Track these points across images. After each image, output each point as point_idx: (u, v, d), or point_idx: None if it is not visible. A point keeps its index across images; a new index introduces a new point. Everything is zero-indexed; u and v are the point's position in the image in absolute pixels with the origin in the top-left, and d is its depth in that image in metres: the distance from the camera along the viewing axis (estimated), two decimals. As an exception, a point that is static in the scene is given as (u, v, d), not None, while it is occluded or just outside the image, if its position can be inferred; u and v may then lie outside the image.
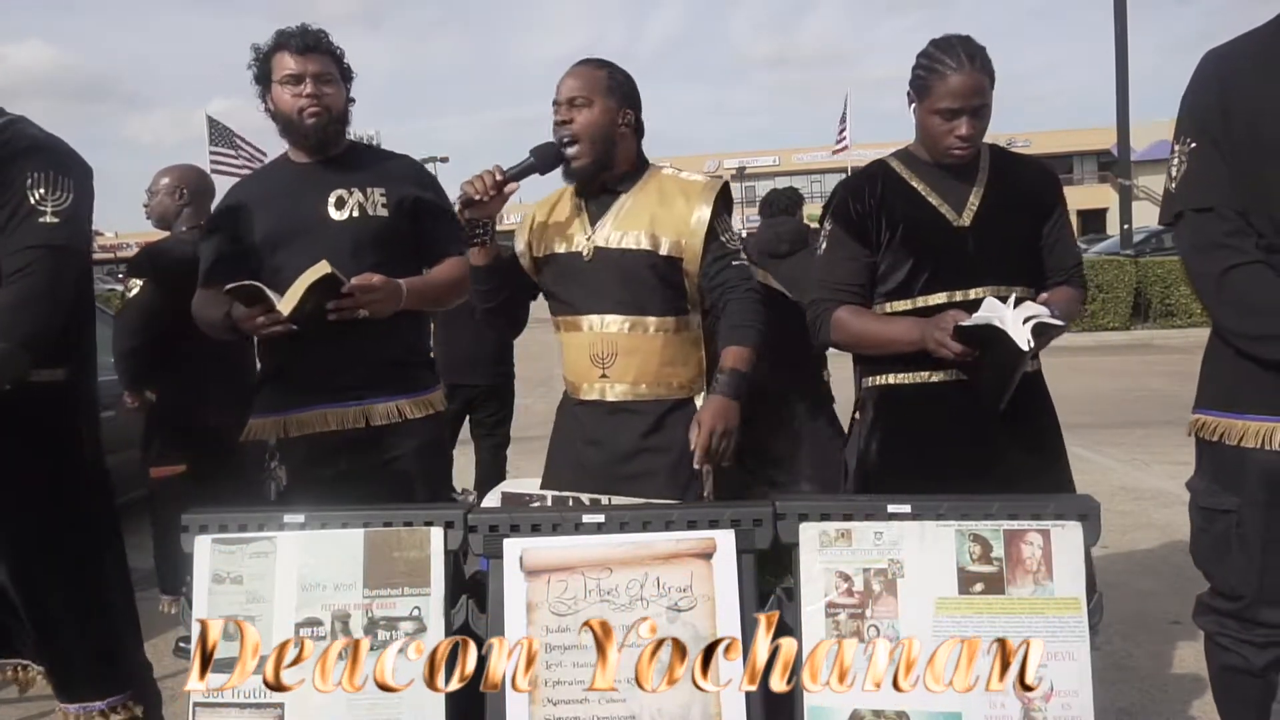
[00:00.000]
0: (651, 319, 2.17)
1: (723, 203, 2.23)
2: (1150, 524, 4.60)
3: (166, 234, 3.68)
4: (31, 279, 1.90)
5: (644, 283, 2.17)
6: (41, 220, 1.92)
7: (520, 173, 2.14)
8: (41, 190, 1.93)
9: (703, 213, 2.17)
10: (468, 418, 4.67)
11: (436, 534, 1.78)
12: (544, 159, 2.16)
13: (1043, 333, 1.90)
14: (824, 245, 2.27)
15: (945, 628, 1.68)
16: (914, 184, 2.20)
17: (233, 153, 13.83)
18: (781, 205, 5.13)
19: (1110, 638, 3.20)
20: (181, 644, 3.43)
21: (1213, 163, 1.77)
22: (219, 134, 13.81)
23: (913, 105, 2.16)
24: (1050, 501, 1.74)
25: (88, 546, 2.11)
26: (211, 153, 13.59)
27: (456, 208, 2.09)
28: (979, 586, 1.69)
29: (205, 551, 1.80)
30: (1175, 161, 1.85)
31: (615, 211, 2.20)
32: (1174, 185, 1.85)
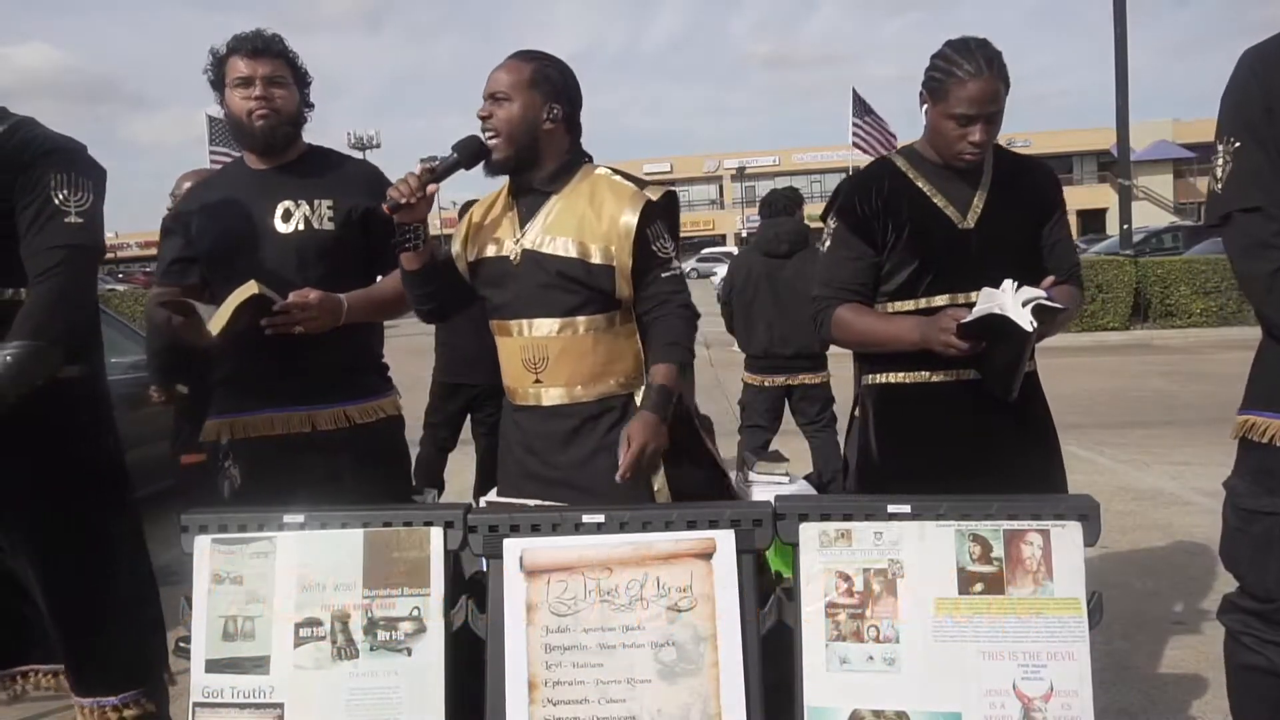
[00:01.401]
0: (581, 319, 2.10)
1: (658, 209, 2.13)
2: (1150, 524, 4.59)
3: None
4: (60, 278, 1.97)
5: (572, 289, 2.09)
6: (67, 220, 1.99)
7: (444, 170, 2.09)
8: (65, 191, 1.99)
9: (630, 219, 2.08)
10: (468, 417, 4.68)
11: (436, 534, 1.78)
12: (466, 154, 2.10)
13: (1043, 316, 1.89)
14: (828, 243, 2.27)
15: (945, 628, 1.68)
16: (919, 184, 2.19)
17: (236, 151, 13.79)
18: (781, 205, 5.13)
19: (1110, 638, 3.20)
20: (181, 644, 3.43)
21: (1258, 162, 1.74)
22: (220, 133, 13.77)
23: (924, 106, 2.15)
24: (1050, 502, 1.74)
25: (111, 541, 2.14)
26: (212, 152, 13.55)
27: (384, 208, 2.02)
28: (979, 586, 1.69)
29: (205, 551, 1.81)
30: (1220, 162, 1.81)
31: (544, 214, 2.13)
32: (1220, 186, 1.81)
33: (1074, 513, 1.71)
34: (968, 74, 2.04)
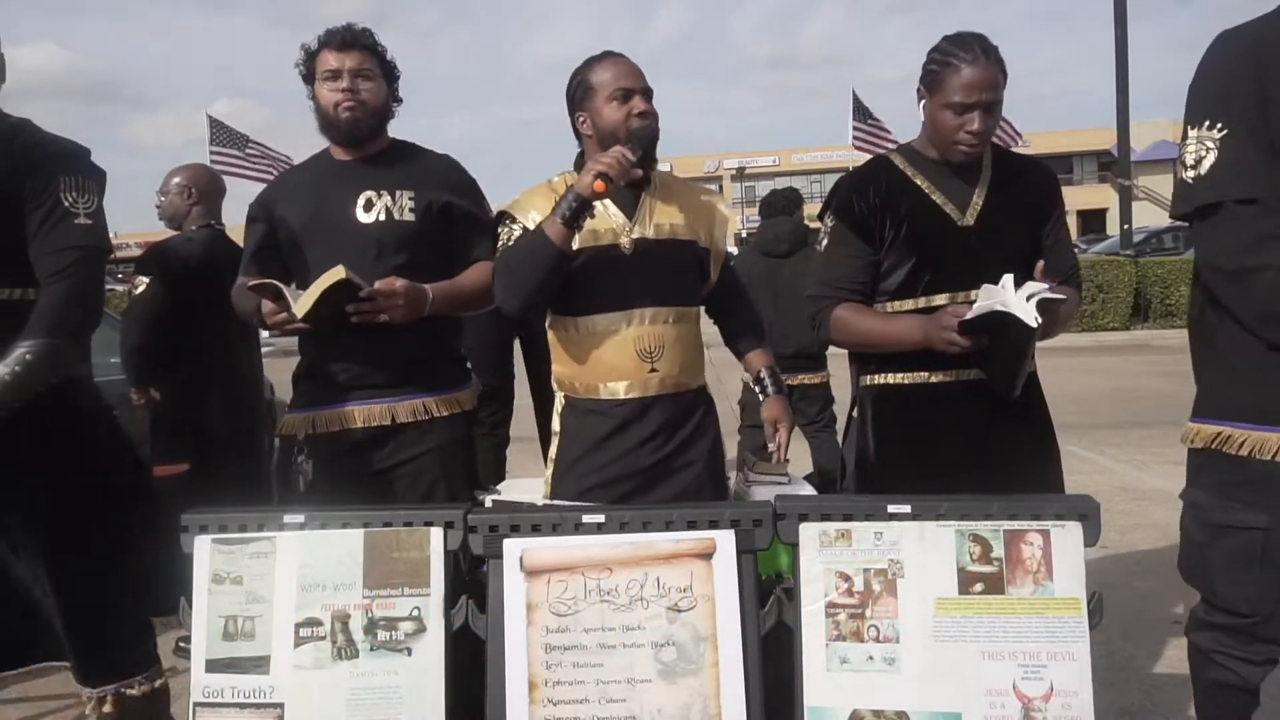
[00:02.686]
0: (690, 308, 2.20)
1: None
2: (1150, 524, 4.59)
3: (173, 234, 3.69)
4: (73, 279, 2.01)
5: (686, 273, 2.19)
6: (77, 222, 2.03)
7: (641, 155, 2.04)
8: (73, 194, 2.04)
9: (724, 210, 2.30)
10: (468, 417, 4.68)
11: (436, 534, 1.78)
12: (650, 144, 2.08)
13: (1047, 309, 1.87)
14: (825, 241, 2.26)
15: (945, 628, 1.68)
16: (918, 181, 2.19)
17: (237, 153, 13.78)
18: (781, 205, 5.14)
19: (1110, 638, 3.20)
20: (181, 644, 3.42)
21: (1250, 152, 1.64)
22: (220, 134, 13.77)
23: (922, 101, 2.14)
24: (1050, 502, 1.74)
25: (119, 538, 2.16)
26: (213, 152, 13.56)
27: (595, 187, 1.95)
28: (979, 587, 1.69)
29: (205, 551, 1.81)
30: (1194, 149, 1.69)
31: (646, 203, 2.17)
32: (1197, 175, 1.69)
33: (1074, 513, 1.71)
34: (964, 61, 2.03)
